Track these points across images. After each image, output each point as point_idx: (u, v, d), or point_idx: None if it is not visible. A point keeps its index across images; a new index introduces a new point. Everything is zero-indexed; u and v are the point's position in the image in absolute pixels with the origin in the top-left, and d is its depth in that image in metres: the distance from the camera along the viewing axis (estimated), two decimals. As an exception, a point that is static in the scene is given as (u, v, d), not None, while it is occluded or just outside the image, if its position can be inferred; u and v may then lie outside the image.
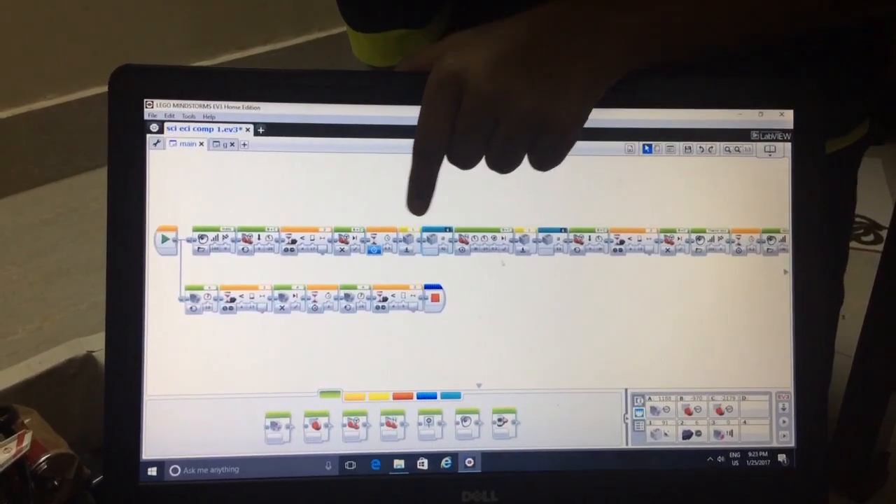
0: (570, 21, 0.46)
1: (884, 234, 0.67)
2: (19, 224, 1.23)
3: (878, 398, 0.68)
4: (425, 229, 0.50)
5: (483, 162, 0.47)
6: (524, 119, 0.44)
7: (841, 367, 0.69)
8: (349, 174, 0.50)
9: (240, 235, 0.49)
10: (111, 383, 0.48)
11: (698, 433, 0.51)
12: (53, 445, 0.55)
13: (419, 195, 0.47)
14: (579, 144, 0.50)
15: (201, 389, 0.49)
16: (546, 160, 0.46)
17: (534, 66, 0.44)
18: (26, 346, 0.98)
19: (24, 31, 1.26)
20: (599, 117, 0.50)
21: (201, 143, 0.49)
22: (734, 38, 0.50)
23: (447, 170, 0.50)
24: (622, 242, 0.51)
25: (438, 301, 0.50)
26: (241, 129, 0.49)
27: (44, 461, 0.53)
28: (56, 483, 0.54)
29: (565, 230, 0.51)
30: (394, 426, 0.50)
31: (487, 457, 0.50)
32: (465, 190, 0.50)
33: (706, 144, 0.52)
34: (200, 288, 0.49)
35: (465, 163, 0.46)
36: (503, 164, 0.46)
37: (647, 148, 0.51)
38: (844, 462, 0.71)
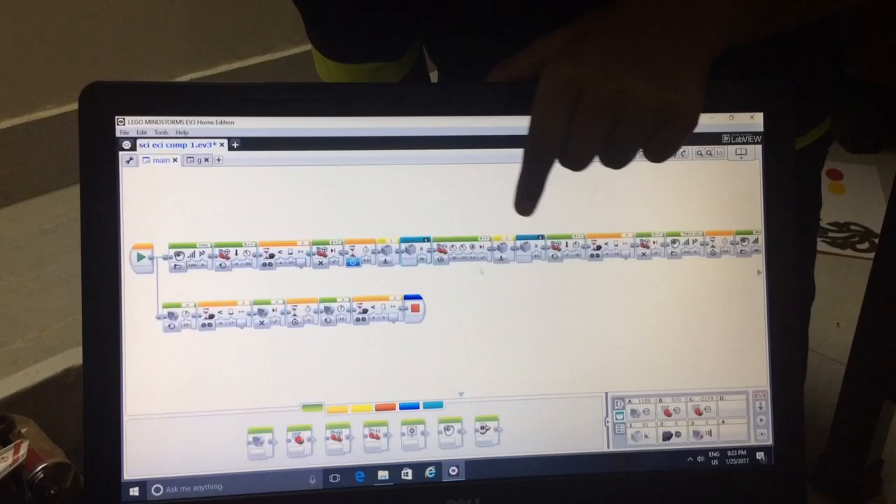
0: (670, 7, 0.46)
1: (879, 241, 0.68)
2: (19, 234, 1.22)
3: (871, 406, 0.68)
4: (403, 240, 0.50)
5: (449, 171, 0.47)
6: (648, 113, 0.43)
7: (835, 374, 0.70)
8: (326, 186, 0.50)
9: (217, 251, 0.49)
10: (90, 404, 0.48)
11: (678, 434, 0.52)
12: (50, 455, 0.54)
13: (530, 196, 0.46)
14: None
15: (182, 407, 0.49)
16: (667, 150, 0.46)
17: (648, 59, 0.44)
18: (25, 355, 0.97)
19: (23, 41, 1.24)
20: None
21: (175, 160, 0.49)
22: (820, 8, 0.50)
23: (424, 182, 0.50)
24: (599, 248, 0.52)
25: (418, 311, 0.50)
26: (214, 143, 0.49)
27: (40, 470, 0.53)
28: (53, 492, 0.54)
29: (543, 237, 0.51)
30: (377, 437, 0.50)
31: (471, 465, 0.51)
32: (442, 200, 0.51)
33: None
34: (178, 305, 0.48)
35: (581, 164, 0.45)
36: (621, 160, 0.45)
37: (621, 153, 0.52)
38: (838, 470, 0.71)
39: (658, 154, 0.46)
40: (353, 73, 0.67)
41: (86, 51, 1.29)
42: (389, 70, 0.67)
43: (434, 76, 0.76)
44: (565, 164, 0.45)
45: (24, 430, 0.53)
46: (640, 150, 0.45)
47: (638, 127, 0.44)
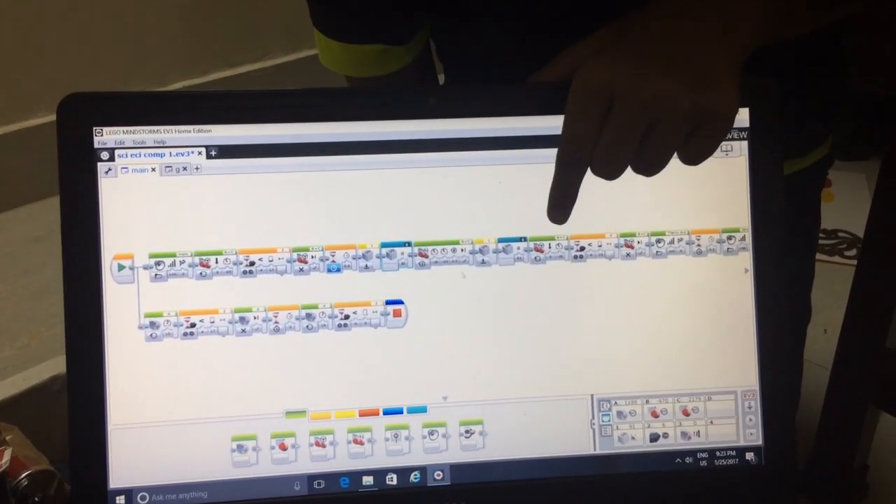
0: (700, 9, 0.45)
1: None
2: (8, 241, 1.23)
3: (855, 411, 0.68)
4: (384, 245, 0.50)
5: (430, 174, 0.46)
6: (684, 115, 0.43)
7: (822, 380, 0.69)
8: (304, 193, 0.50)
9: (197, 260, 0.49)
10: (74, 414, 0.48)
11: (665, 435, 0.52)
12: (34, 462, 0.55)
13: (563, 205, 0.46)
14: (535, 153, 0.50)
15: (166, 416, 0.49)
16: (704, 152, 0.45)
17: (681, 61, 0.43)
18: (14, 363, 0.99)
19: (14, 48, 1.25)
20: (554, 125, 0.50)
21: (153, 169, 0.49)
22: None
23: (404, 186, 0.50)
24: (582, 249, 0.51)
25: (401, 316, 0.50)
26: (192, 152, 0.49)
27: (24, 477, 0.54)
28: (37, 500, 0.54)
29: (525, 239, 0.51)
30: (361, 443, 0.50)
31: (456, 469, 0.50)
32: (422, 204, 0.50)
33: (663, 146, 0.51)
34: (160, 315, 0.49)
35: (614, 171, 0.45)
36: (655, 167, 0.45)
37: (603, 153, 0.51)
38: (824, 475, 0.71)
39: (695, 157, 0.45)
40: (358, 55, 0.65)
41: (76, 59, 1.30)
42: (395, 54, 0.66)
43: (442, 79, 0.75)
44: (598, 172, 0.45)
45: (8, 438, 0.54)
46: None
47: (674, 130, 0.43)
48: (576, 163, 0.44)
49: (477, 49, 0.67)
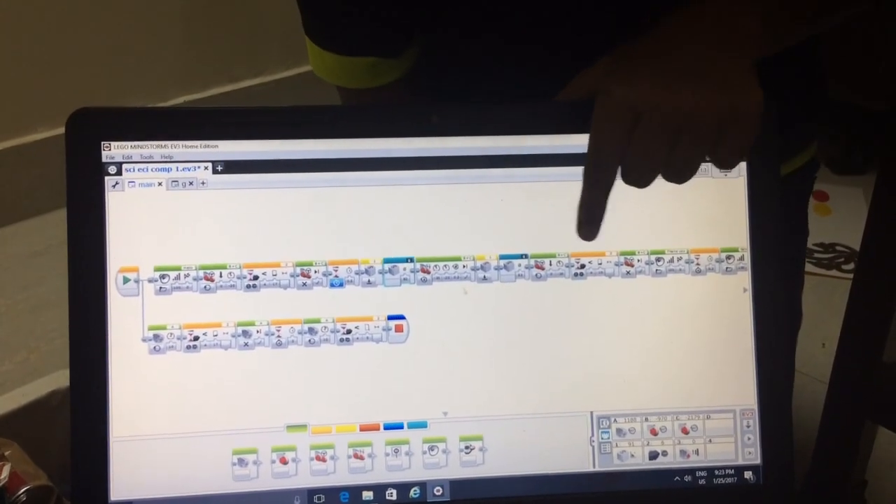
0: (702, 24, 0.47)
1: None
2: (8, 256, 1.24)
3: (853, 426, 0.68)
4: (387, 261, 0.51)
5: (432, 191, 0.47)
6: (714, 124, 0.44)
7: (820, 395, 0.69)
8: (309, 208, 0.50)
9: (201, 273, 0.49)
10: (77, 426, 0.48)
11: (664, 453, 0.52)
12: (33, 477, 0.55)
13: (593, 220, 0.47)
14: (537, 171, 0.51)
15: (167, 429, 0.49)
16: (737, 154, 0.46)
17: (699, 70, 0.44)
18: (13, 377, 0.99)
19: (14, 64, 1.26)
20: (555, 143, 0.51)
21: (160, 184, 0.49)
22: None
23: (407, 202, 0.51)
24: (583, 266, 0.52)
25: (402, 331, 0.51)
26: (199, 167, 0.50)
27: (23, 493, 0.54)
28: (35, 515, 0.54)
29: (526, 256, 0.51)
30: (361, 458, 0.50)
31: (456, 485, 0.51)
32: (425, 220, 0.51)
33: (662, 167, 0.52)
34: (163, 328, 0.49)
35: (645, 182, 0.46)
36: (685, 174, 0.46)
37: (604, 172, 0.52)
38: (822, 491, 0.71)
39: (729, 160, 0.46)
40: (350, 67, 0.66)
41: (77, 74, 1.30)
42: (386, 67, 0.67)
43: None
44: (630, 181, 0.46)
45: (7, 453, 0.54)
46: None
47: (704, 134, 0.44)
48: (604, 178, 0.45)
49: (468, 66, 0.68)
